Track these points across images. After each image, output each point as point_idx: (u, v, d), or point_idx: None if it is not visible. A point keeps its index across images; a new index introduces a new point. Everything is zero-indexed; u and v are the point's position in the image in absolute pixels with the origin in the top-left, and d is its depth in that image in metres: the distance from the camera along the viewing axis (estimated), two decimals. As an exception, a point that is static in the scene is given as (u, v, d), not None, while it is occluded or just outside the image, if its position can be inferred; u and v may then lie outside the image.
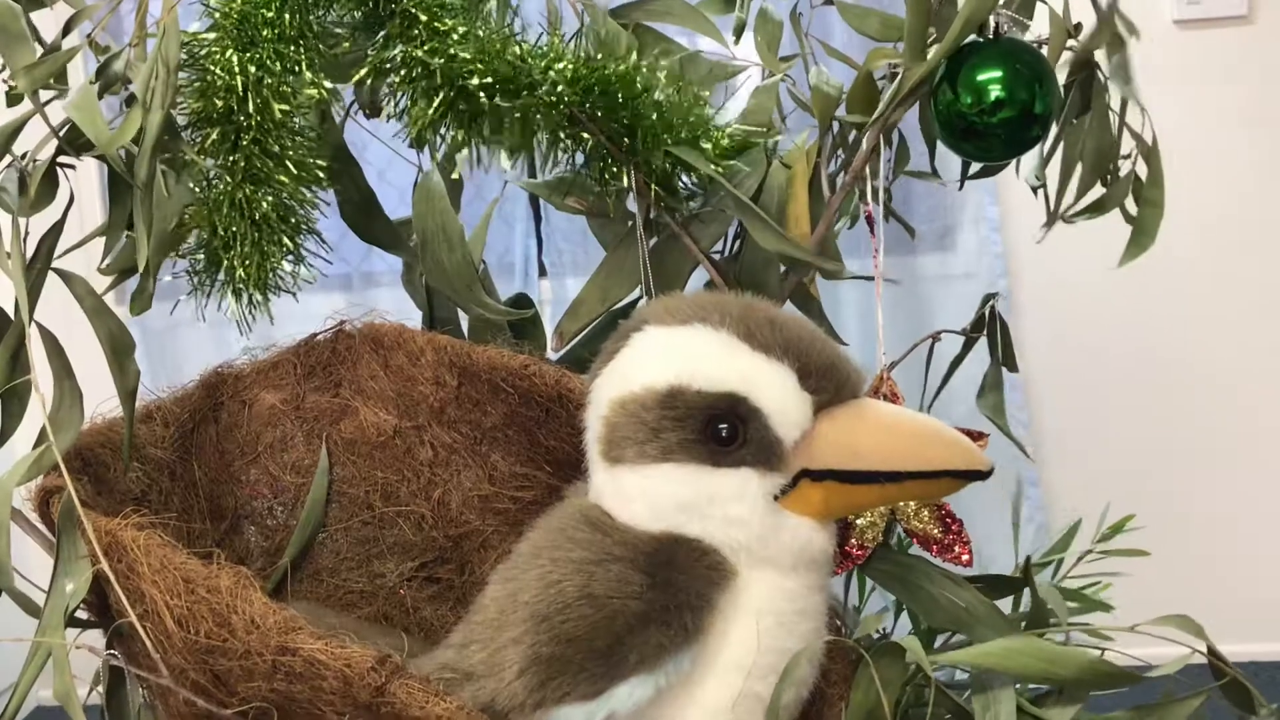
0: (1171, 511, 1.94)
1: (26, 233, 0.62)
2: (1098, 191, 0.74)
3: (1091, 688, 0.57)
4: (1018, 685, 0.59)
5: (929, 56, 0.67)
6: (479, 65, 0.65)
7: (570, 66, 0.69)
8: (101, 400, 0.65)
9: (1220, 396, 2.00)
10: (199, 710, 0.54)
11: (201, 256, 0.69)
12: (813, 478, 0.57)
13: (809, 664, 0.57)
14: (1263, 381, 2.00)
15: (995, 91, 0.66)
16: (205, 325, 0.71)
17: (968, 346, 0.79)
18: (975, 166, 0.79)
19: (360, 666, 0.50)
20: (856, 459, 0.56)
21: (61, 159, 0.63)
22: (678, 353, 0.57)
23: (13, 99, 0.62)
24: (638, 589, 0.54)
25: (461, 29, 0.66)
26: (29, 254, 0.62)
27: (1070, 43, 0.70)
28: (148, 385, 0.70)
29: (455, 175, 0.73)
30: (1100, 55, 0.72)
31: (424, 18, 0.65)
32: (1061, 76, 0.70)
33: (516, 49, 0.67)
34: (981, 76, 0.67)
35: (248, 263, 0.67)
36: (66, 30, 0.68)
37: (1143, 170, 0.74)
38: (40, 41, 0.64)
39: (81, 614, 0.59)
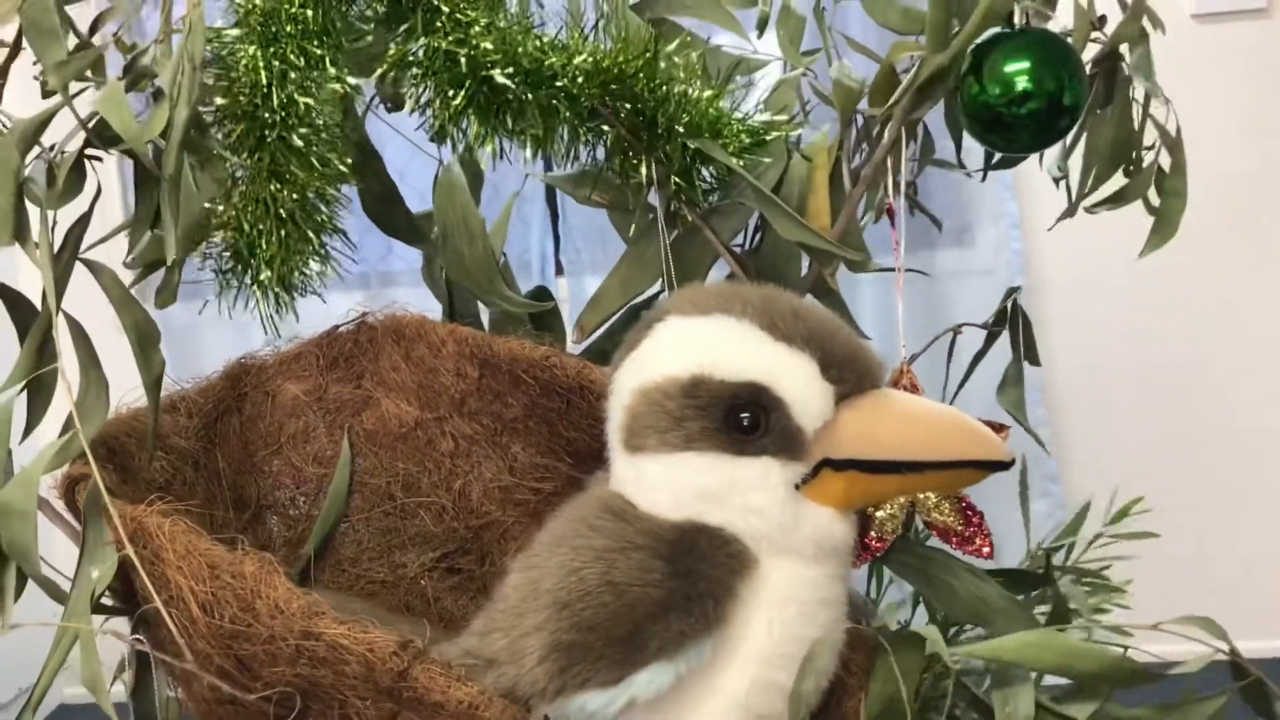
0: (1195, 508, 1.93)
1: (54, 224, 0.62)
2: (1119, 182, 0.73)
3: (1112, 685, 0.57)
4: (1040, 681, 0.58)
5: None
6: (502, 55, 0.65)
7: (590, 59, 0.69)
8: (126, 391, 0.66)
9: (1243, 392, 1.98)
10: (223, 695, 0.54)
11: (228, 255, 0.69)
12: (834, 467, 0.56)
13: (830, 653, 0.57)
14: (1287, 377, 1.98)
15: (1022, 83, 0.66)
16: (228, 324, 0.71)
17: (990, 340, 0.79)
18: (996, 156, 0.79)
19: (383, 651, 0.51)
20: (878, 449, 0.56)
21: (89, 150, 0.64)
22: (700, 342, 0.57)
23: (47, 92, 0.62)
24: (659, 577, 0.54)
25: (484, 21, 0.66)
26: (56, 245, 0.63)
27: (1095, 34, 0.70)
28: (172, 378, 0.70)
29: (485, 160, 0.73)
30: (1124, 47, 0.72)
31: (446, 9, 0.65)
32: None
33: (537, 41, 0.68)
34: (1009, 67, 0.66)
35: (274, 261, 0.67)
36: (94, 29, 0.69)
37: (1165, 162, 0.74)
38: (76, 33, 0.65)
39: (107, 601, 0.60)
